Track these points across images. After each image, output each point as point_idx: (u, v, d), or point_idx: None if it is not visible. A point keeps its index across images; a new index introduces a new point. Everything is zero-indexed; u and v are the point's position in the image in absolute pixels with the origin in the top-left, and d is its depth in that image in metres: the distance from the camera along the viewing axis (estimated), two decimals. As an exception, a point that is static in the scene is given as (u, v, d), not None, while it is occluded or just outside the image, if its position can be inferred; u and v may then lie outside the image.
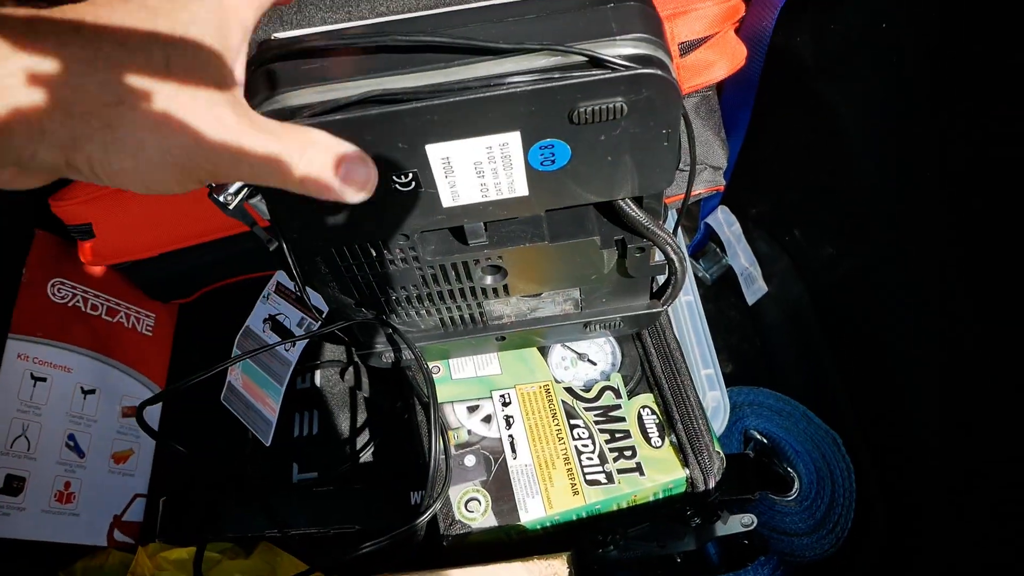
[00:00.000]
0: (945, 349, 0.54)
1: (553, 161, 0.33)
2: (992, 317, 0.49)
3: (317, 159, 0.27)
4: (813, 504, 0.63)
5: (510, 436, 0.51)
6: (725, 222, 0.75)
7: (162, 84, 0.24)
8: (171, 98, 0.24)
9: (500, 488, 0.49)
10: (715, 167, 0.59)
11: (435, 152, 0.32)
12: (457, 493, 0.49)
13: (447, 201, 0.35)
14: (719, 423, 0.62)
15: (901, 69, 0.56)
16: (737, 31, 0.55)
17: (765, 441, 0.66)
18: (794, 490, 0.63)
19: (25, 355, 0.60)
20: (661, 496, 0.50)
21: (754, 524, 0.56)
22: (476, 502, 0.49)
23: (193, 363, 0.73)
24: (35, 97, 0.23)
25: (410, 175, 0.33)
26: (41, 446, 0.60)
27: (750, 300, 0.77)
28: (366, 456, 0.64)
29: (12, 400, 0.58)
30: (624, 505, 0.50)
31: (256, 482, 0.67)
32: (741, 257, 0.76)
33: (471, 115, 0.30)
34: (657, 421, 0.51)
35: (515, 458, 0.50)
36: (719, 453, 0.50)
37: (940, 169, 0.53)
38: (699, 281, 0.80)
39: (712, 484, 0.49)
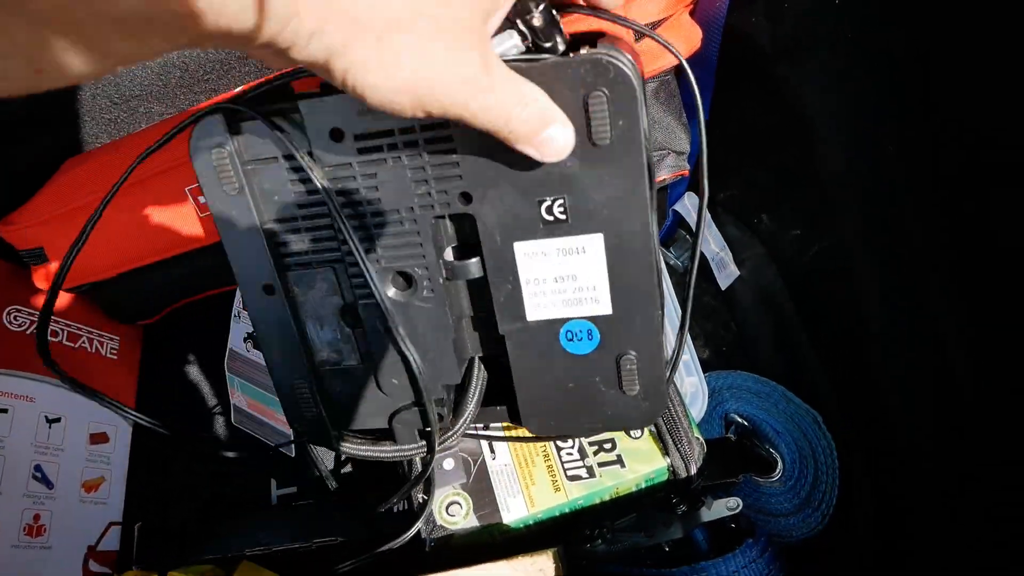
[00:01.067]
0: (918, 324, 0.54)
1: None
2: (963, 291, 0.49)
3: (533, 116, 0.31)
4: (797, 483, 0.62)
5: (488, 436, 0.50)
6: (692, 208, 0.75)
7: (435, 14, 0.26)
8: (436, 32, 0.26)
9: (480, 490, 0.48)
10: (678, 152, 0.58)
11: None
12: (437, 497, 0.48)
13: None
14: (698, 408, 0.61)
15: (857, 45, 0.56)
16: (692, 14, 0.54)
17: (746, 424, 0.66)
18: (777, 471, 0.63)
19: (-17, 387, 0.58)
20: (644, 487, 0.49)
21: (739, 507, 0.55)
22: (457, 505, 0.48)
23: (163, 385, 0.72)
24: None
25: None
26: (6, 479, 0.58)
27: (723, 285, 0.77)
28: (346, 467, 0.63)
29: (-28, 435, 0.56)
30: (607, 498, 0.49)
31: (234, 500, 0.66)
32: (711, 242, 0.76)
33: None
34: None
35: (494, 458, 0.50)
36: (699, 439, 0.50)
37: (902, 145, 0.53)
38: (671, 269, 0.80)
39: (694, 471, 0.49)
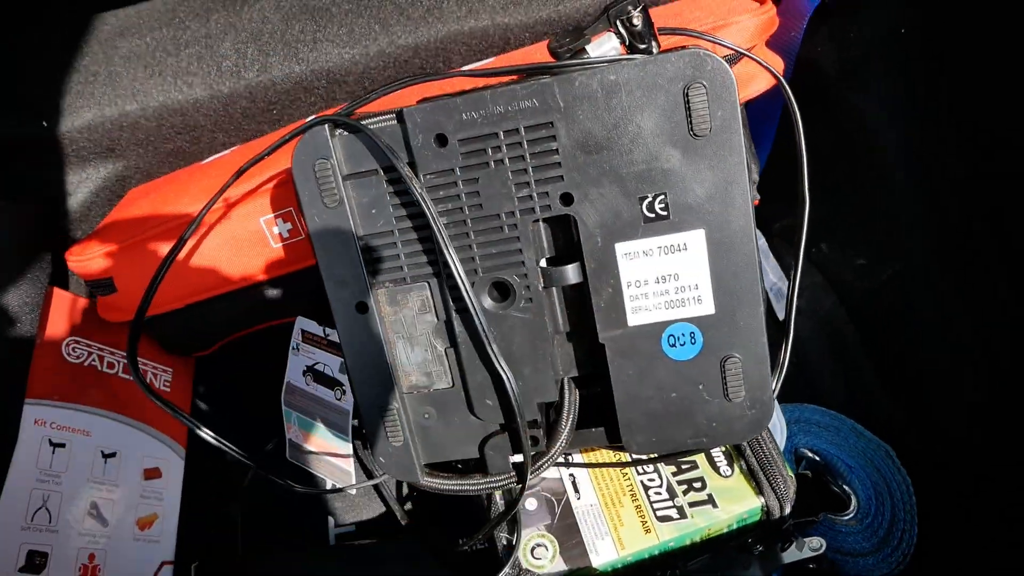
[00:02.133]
0: (996, 350, 0.53)
1: None
2: None
3: None
4: (874, 521, 0.60)
5: (571, 475, 0.49)
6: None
7: None
8: None
9: (566, 531, 0.47)
10: (751, 181, 0.57)
11: None
12: (522, 540, 0.47)
13: None
14: (778, 441, 0.60)
15: (924, 72, 0.55)
16: (766, 43, 0.54)
17: (817, 459, 0.64)
18: (852, 508, 0.61)
19: (42, 420, 0.56)
20: (735, 527, 0.48)
21: (823, 548, 0.54)
22: (543, 548, 0.46)
23: (214, 418, 0.70)
24: None
25: None
26: (63, 517, 0.56)
27: (780, 315, 0.76)
28: (409, 504, 0.61)
29: (31, 470, 0.55)
30: (698, 540, 0.47)
31: (288, 540, 0.64)
32: (770, 273, 0.75)
33: None
34: (724, 450, 0.49)
35: (579, 498, 0.48)
36: (791, 476, 0.48)
37: (971, 170, 0.52)
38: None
39: (788, 510, 0.47)
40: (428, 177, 0.39)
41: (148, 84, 0.59)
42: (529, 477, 0.42)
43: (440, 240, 0.38)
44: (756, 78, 0.48)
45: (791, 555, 0.54)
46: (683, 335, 0.40)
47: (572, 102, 0.37)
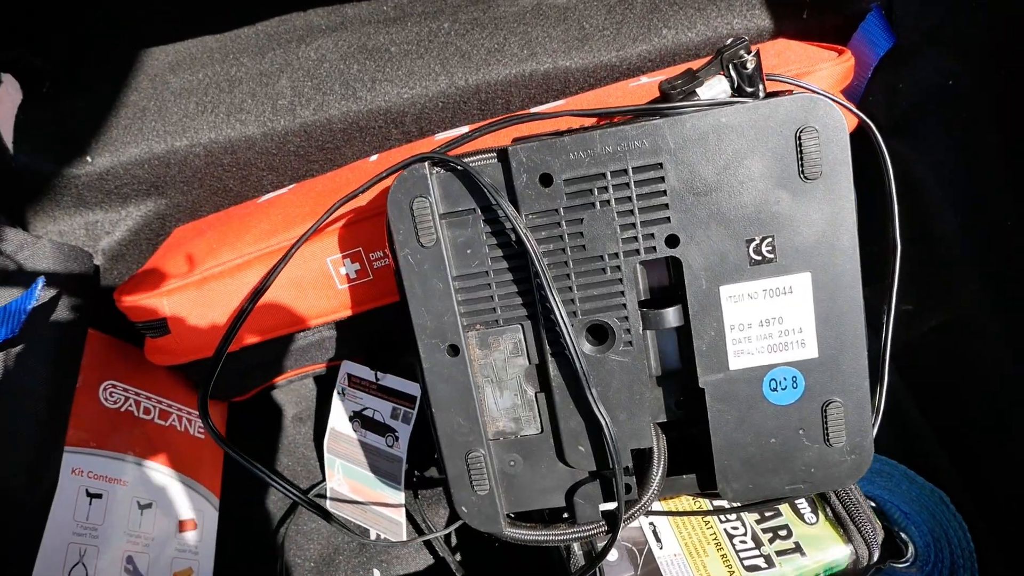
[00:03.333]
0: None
1: None
2: None
3: None
4: (934, 569, 0.60)
5: (651, 524, 0.47)
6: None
7: None
8: None
9: (651, 582, 0.45)
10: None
11: None
12: (605, 592, 0.45)
13: None
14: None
15: (971, 126, 0.57)
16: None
17: (873, 505, 0.63)
18: (909, 554, 0.60)
19: (80, 470, 0.53)
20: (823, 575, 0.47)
21: (894, 597, 0.52)
22: (627, 600, 0.45)
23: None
24: None
25: None
26: (99, 573, 0.52)
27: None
28: (459, 555, 0.59)
29: (68, 522, 0.52)
30: (786, 589, 0.46)
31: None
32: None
33: None
34: (809, 497, 0.48)
35: (661, 548, 0.46)
36: (879, 522, 0.47)
37: (1019, 214, 0.53)
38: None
39: (876, 556, 0.46)
40: (530, 217, 0.38)
41: (199, 120, 0.58)
42: (622, 526, 0.41)
43: (543, 280, 0.37)
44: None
45: (861, 603, 0.53)
46: (785, 379, 0.39)
47: (683, 143, 0.36)
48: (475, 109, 0.58)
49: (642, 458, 0.42)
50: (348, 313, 0.52)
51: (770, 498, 0.42)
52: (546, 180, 0.38)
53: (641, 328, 0.39)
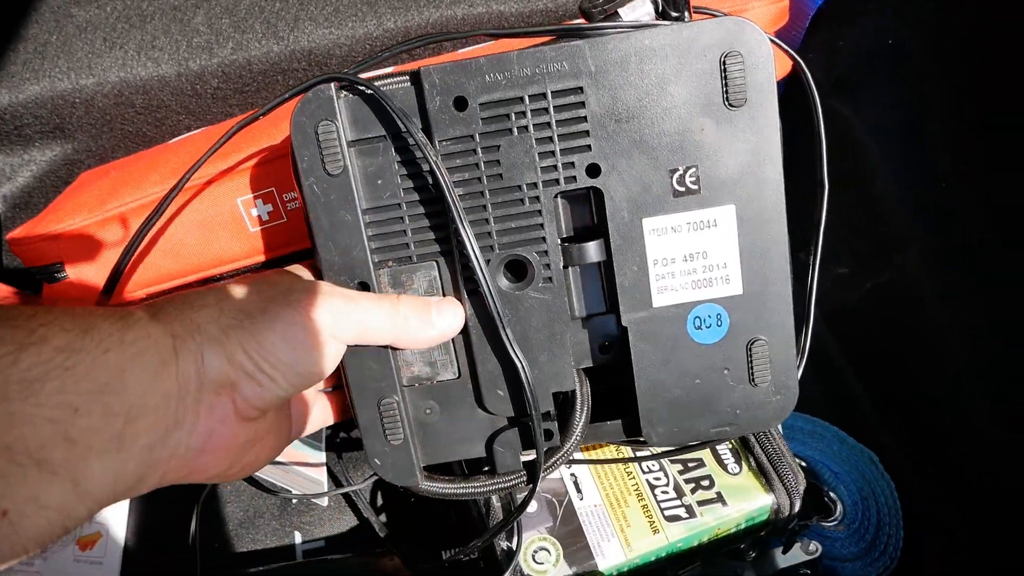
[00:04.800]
0: (981, 355, 0.54)
1: None
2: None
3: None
4: (861, 527, 0.60)
5: (572, 475, 0.46)
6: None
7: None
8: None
9: (570, 534, 0.44)
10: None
11: None
12: (523, 544, 0.43)
13: None
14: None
15: (910, 85, 0.57)
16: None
17: (803, 466, 0.63)
18: (837, 513, 0.61)
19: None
20: (744, 526, 0.46)
21: (819, 551, 0.52)
22: (545, 552, 0.43)
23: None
24: None
25: None
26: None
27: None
28: (384, 515, 0.57)
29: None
30: (707, 540, 0.45)
31: (254, 556, 0.58)
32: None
33: None
34: (731, 447, 0.47)
35: (581, 498, 0.45)
36: (800, 471, 0.47)
37: (958, 181, 0.53)
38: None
39: (798, 507, 0.45)
40: (444, 144, 0.36)
41: (107, 58, 0.54)
42: (542, 475, 0.39)
43: (455, 213, 0.35)
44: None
45: (787, 559, 0.53)
46: (710, 317, 0.38)
47: (604, 67, 0.35)
48: (404, 53, 0.56)
49: (565, 403, 0.41)
50: (262, 258, 0.49)
51: (695, 441, 0.41)
52: (460, 104, 0.36)
53: (562, 264, 0.38)
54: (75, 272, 0.48)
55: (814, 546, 0.52)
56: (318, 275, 0.39)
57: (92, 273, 0.48)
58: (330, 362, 0.36)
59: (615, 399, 0.41)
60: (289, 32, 0.54)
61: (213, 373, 0.32)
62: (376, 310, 0.36)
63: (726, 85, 0.35)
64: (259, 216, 0.47)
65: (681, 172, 0.36)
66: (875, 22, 0.58)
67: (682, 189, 0.36)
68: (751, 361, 0.39)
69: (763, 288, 0.38)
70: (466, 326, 0.39)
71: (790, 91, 0.61)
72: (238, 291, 0.34)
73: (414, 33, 0.54)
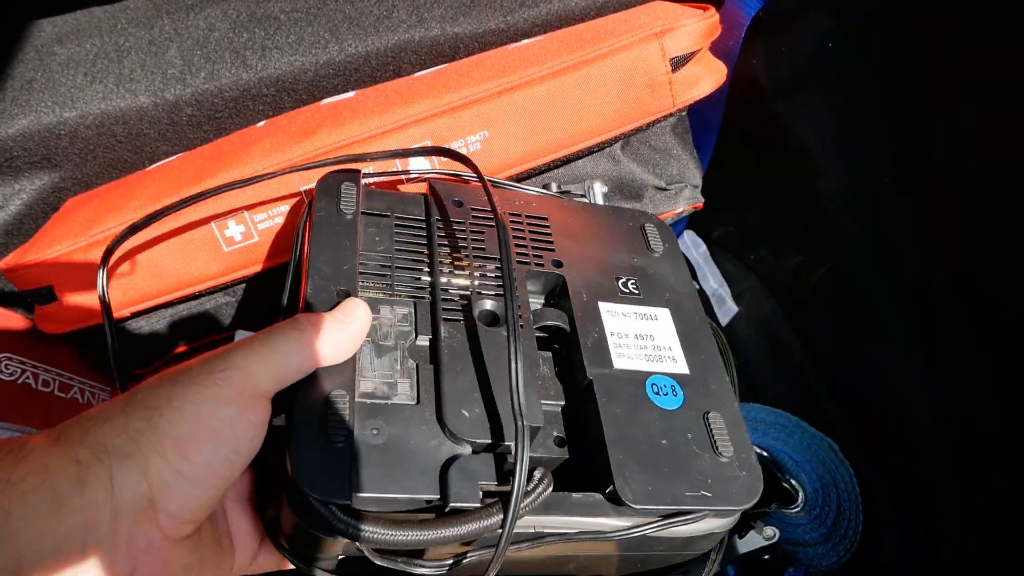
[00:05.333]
0: (928, 340, 0.56)
1: None
2: (965, 300, 0.51)
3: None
4: (822, 512, 0.63)
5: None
6: (692, 245, 0.77)
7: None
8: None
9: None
10: (694, 185, 0.60)
11: None
12: None
13: None
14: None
15: (850, 84, 0.59)
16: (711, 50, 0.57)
17: (765, 454, 0.66)
18: (799, 500, 0.63)
19: (-28, 441, 0.53)
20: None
21: (776, 536, 0.55)
22: None
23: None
24: None
25: None
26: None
27: (723, 321, 0.79)
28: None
29: (-42, 494, 0.51)
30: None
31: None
32: (710, 279, 0.78)
33: None
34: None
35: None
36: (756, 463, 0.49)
37: (899, 172, 0.56)
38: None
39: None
40: (437, 223, 0.44)
41: (88, 91, 0.57)
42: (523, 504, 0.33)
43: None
44: (702, 79, 0.51)
45: (747, 544, 0.56)
46: (665, 386, 0.40)
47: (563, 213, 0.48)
48: (366, 76, 0.59)
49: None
50: (238, 275, 0.52)
51: (673, 507, 0.36)
52: (459, 203, 0.45)
53: (531, 316, 0.42)
54: (64, 294, 0.51)
55: (771, 531, 0.55)
56: (293, 303, 0.40)
57: (80, 294, 0.51)
58: (256, 429, 0.31)
59: (579, 475, 0.39)
60: (258, 60, 0.57)
61: (127, 495, 0.27)
62: (282, 332, 0.33)
63: (647, 240, 0.49)
64: (231, 236, 0.50)
65: (624, 279, 0.45)
66: (812, 26, 0.61)
67: (626, 291, 0.44)
68: (710, 431, 0.39)
69: (706, 373, 0.42)
70: (436, 351, 0.38)
71: (733, 98, 0.65)
72: (143, 391, 0.30)
73: (374, 58, 0.58)
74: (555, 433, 0.39)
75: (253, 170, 0.49)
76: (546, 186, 0.54)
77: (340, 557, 0.36)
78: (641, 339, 0.42)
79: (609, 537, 0.37)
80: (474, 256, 0.43)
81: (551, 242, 0.45)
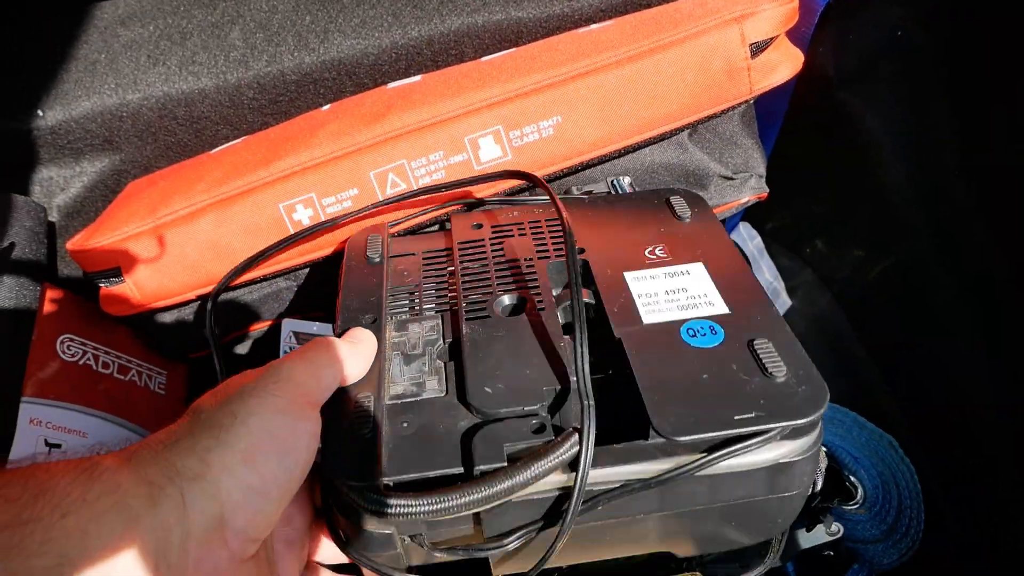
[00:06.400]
0: (995, 336, 0.55)
1: None
2: None
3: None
4: (882, 509, 0.61)
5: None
6: (748, 237, 0.76)
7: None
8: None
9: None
10: (759, 175, 0.59)
11: None
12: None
13: None
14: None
15: (920, 75, 0.58)
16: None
17: (824, 450, 0.65)
18: (858, 497, 0.62)
19: (38, 420, 0.53)
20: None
21: (841, 532, 0.54)
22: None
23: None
24: None
25: None
26: (58, 523, 0.53)
27: (781, 311, 0.77)
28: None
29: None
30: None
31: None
32: (765, 271, 0.76)
33: None
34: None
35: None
36: (823, 448, 0.48)
37: (966, 165, 0.55)
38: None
39: (820, 485, 0.47)
40: (460, 246, 0.47)
41: (151, 73, 0.57)
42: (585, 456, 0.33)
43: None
44: (780, 66, 0.50)
45: (810, 539, 0.55)
46: (702, 328, 0.39)
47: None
48: (428, 60, 0.58)
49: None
50: (306, 259, 0.52)
51: (723, 431, 0.34)
52: (478, 226, 0.49)
53: (554, 297, 0.43)
54: (131, 276, 0.51)
55: (836, 527, 0.54)
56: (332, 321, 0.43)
57: (146, 277, 0.51)
58: (310, 439, 0.32)
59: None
60: (320, 44, 0.57)
61: (198, 516, 0.28)
62: (315, 349, 0.36)
63: (673, 210, 0.49)
64: (300, 220, 0.50)
65: (651, 248, 0.45)
66: (882, 14, 0.60)
67: (653, 258, 0.44)
68: (757, 356, 0.37)
69: (747, 309, 0.40)
70: (459, 345, 0.40)
71: (800, 88, 0.63)
72: (205, 412, 0.31)
73: (437, 42, 0.57)
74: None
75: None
76: (567, 191, 0.55)
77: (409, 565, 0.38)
78: (672, 294, 0.41)
79: (664, 480, 0.35)
80: (494, 263, 0.45)
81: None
